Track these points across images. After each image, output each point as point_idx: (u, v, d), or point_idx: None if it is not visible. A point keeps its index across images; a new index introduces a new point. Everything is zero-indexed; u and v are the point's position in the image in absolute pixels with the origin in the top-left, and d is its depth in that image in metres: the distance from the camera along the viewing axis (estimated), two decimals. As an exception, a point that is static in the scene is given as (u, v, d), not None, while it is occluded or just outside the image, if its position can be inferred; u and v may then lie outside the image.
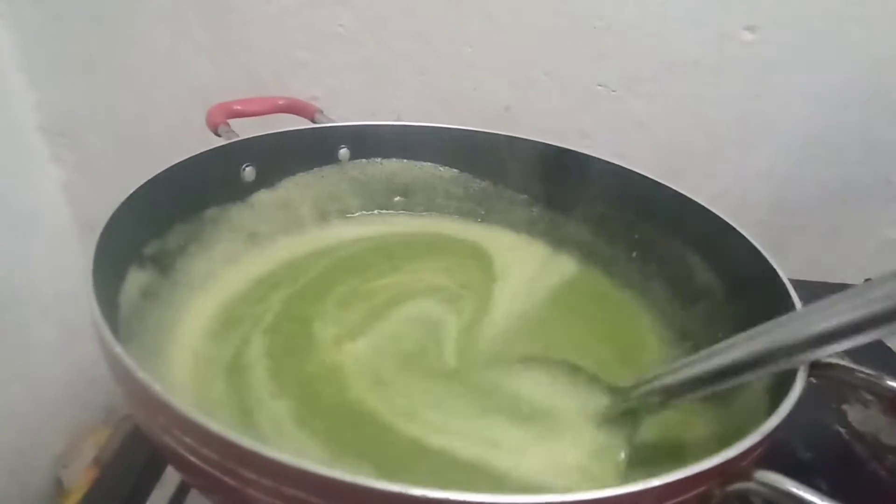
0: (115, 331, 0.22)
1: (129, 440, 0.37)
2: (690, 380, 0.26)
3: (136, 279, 0.31)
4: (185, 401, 0.19)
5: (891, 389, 0.24)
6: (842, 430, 0.38)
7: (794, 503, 0.19)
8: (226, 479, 0.19)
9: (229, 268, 0.40)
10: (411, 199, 0.50)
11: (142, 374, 0.19)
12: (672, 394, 0.27)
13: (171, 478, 0.39)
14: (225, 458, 0.18)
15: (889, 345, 0.45)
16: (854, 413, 0.39)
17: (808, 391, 0.40)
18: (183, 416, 0.18)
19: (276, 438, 0.28)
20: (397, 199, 0.50)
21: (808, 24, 0.57)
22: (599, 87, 0.61)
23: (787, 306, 0.29)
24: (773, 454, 0.22)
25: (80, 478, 0.67)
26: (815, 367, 0.25)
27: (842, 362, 0.27)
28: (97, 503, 0.34)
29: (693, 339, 0.37)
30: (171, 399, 0.18)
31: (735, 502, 0.21)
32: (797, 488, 0.19)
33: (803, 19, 0.57)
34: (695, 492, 0.19)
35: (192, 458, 0.19)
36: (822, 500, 0.18)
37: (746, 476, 0.20)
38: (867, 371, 0.25)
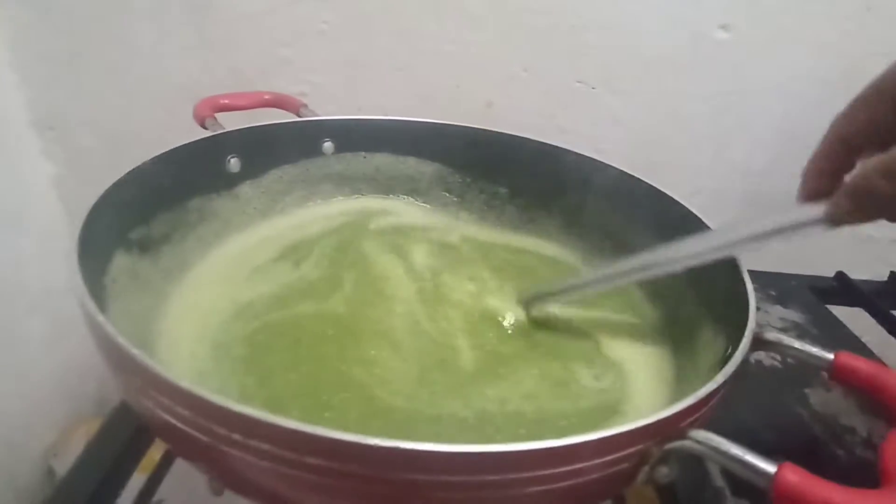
0: (100, 303, 0.23)
1: (109, 424, 0.37)
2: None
3: (122, 262, 0.33)
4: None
5: (825, 360, 0.26)
6: (803, 412, 0.40)
7: (722, 456, 0.20)
8: (200, 436, 0.20)
9: (213, 255, 0.41)
10: (395, 191, 0.52)
11: (121, 339, 0.20)
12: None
13: (147, 463, 0.39)
14: (197, 414, 0.19)
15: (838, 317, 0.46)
16: (816, 396, 0.41)
17: (772, 376, 0.41)
18: (155, 374, 0.19)
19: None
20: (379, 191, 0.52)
21: (781, 22, 0.58)
22: (578, 84, 0.62)
23: (742, 295, 0.31)
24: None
25: (71, 467, 0.68)
26: (758, 343, 0.27)
27: (783, 339, 0.28)
28: (77, 485, 0.34)
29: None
30: (144, 359, 0.20)
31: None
32: (725, 444, 0.20)
33: (776, 18, 0.58)
34: (633, 448, 0.21)
35: (168, 418, 0.20)
36: (745, 453, 0.20)
37: (682, 435, 0.21)
38: (804, 345, 0.27)
